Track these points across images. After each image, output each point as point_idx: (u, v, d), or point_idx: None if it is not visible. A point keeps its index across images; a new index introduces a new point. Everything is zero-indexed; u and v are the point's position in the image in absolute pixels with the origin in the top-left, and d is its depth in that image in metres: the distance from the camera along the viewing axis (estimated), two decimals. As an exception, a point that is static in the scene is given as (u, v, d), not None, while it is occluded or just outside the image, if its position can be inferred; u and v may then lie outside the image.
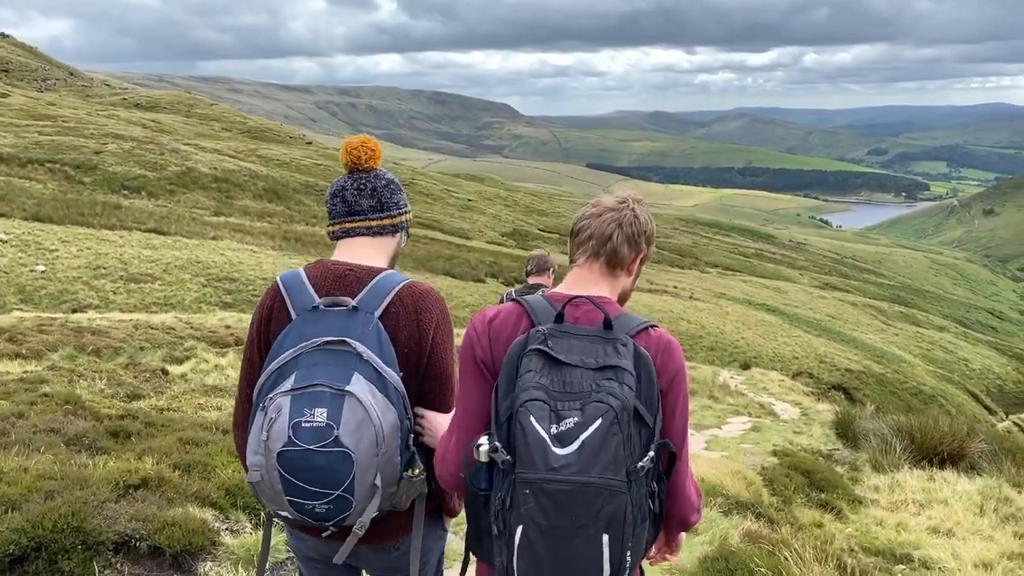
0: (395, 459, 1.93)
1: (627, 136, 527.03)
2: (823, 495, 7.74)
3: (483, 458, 1.71)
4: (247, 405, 2.11)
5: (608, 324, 1.77)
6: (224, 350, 16.68)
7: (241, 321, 23.65)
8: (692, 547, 4.45)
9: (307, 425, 1.85)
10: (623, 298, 2.03)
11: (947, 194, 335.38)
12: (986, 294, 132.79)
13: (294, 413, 1.87)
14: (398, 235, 2.30)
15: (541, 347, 1.70)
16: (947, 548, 6.09)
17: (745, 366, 27.56)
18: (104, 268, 34.40)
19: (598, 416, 1.60)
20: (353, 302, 2.04)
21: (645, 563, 1.97)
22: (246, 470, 1.98)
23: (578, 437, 1.59)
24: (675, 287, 56.86)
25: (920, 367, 51.41)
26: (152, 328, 18.00)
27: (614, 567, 1.60)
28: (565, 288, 1.98)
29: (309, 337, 1.97)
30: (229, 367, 14.31)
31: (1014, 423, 44.11)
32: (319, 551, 2.16)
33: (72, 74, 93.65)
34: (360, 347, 1.95)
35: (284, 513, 1.97)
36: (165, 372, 11.22)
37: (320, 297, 2.06)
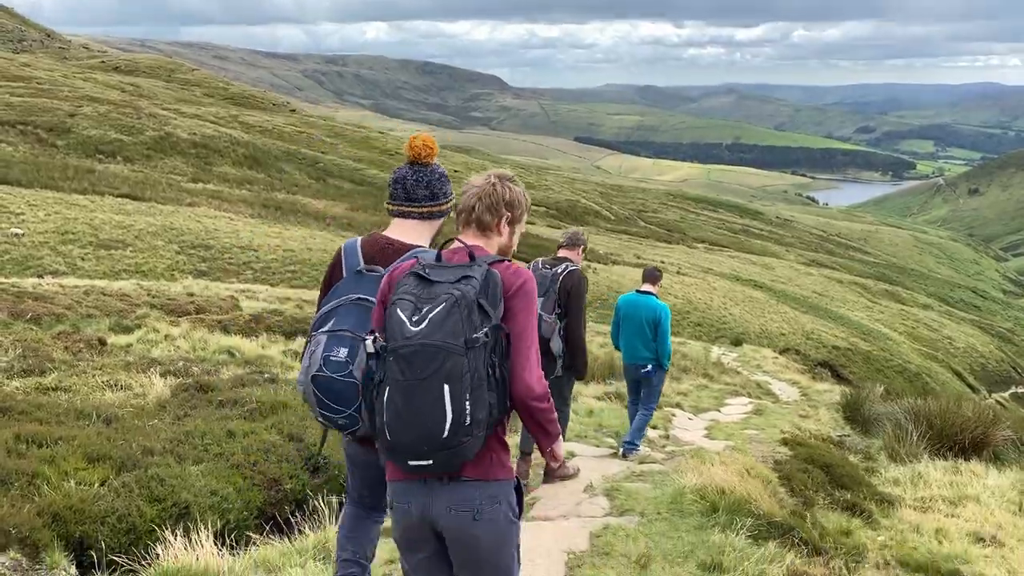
0: None
1: (616, 109, 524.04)
2: (847, 495, 6.81)
3: (370, 348, 2.20)
4: None
5: (471, 257, 2.30)
6: (180, 319, 15.59)
7: (208, 289, 22.53)
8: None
9: (333, 359, 2.49)
10: (504, 251, 2.51)
11: (933, 173, 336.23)
12: (969, 273, 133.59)
13: (327, 349, 2.51)
14: (442, 219, 2.86)
15: (417, 271, 2.25)
16: (999, 562, 5.21)
17: (736, 342, 26.79)
18: (73, 233, 33.20)
19: (443, 301, 2.13)
20: (384, 270, 2.53)
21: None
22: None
23: (427, 317, 2.12)
24: (662, 262, 56.08)
25: (905, 345, 51.36)
26: (105, 295, 16.88)
27: (456, 413, 2.07)
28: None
29: (348, 293, 2.60)
30: (181, 338, 13.26)
31: (997, 402, 44.14)
32: (359, 454, 2.79)
33: (50, 36, 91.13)
34: None
35: (320, 421, 2.62)
36: (102, 343, 10.19)
37: (364, 263, 2.68)
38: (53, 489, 3.24)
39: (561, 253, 5.70)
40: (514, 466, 2.50)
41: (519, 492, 2.32)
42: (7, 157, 42.09)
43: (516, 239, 2.56)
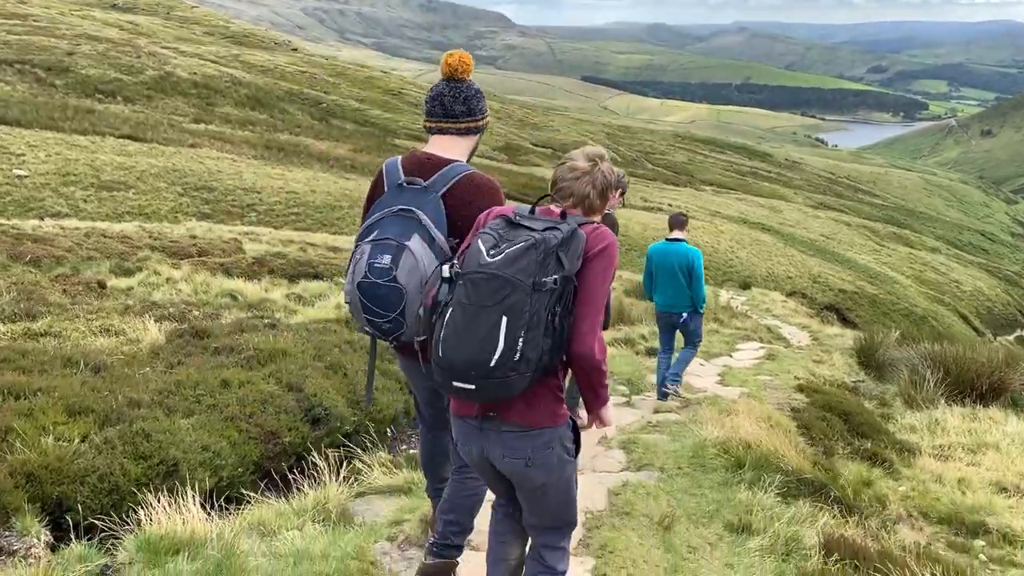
0: None
1: (623, 48, 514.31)
2: (867, 444, 6.57)
3: (445, 273, 2.32)
4: None
5: (563, 215, 2.41)
6: (182, 262, 15.30)
7: (211, 232, 22.22)
8: (749, 554, 3.24)
9: (377, 266, 2.62)
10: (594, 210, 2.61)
11: (946, 114, 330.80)
12: (979, 216, 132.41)
13: (370, 257, 2.65)
14: (479, 135, 3.00)
15: (509, 216, 2.36)
16: (1026, 513, 4.95)
17: (745, 286, 26.48)
18: (74, 175, 32.80)
19: (522, 240, 2.23)
20: (425, 182, 2.78)
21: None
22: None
23: (504, 252, 2.22)
24: (670, 205, 55.50)
25: (912, 288, 51.09)
26: (106, 237, 16.58)
27: (508, 346, 2.15)
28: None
29: (391, 205, 2.76)
30: (183, 281, 12.99)
31: (1002, 345, 44.00)
32: (408, 366, 2.96)
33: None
34: (422, 215, 2.69)
35: (366, 328, 2.75)
36: (102, 286, 9.92)
37: (404, 177, 2.83)
38: (28, 446, 2.97)
39: None
40: None
41: (576, 432, 2.43)
42: (5, 96, 41.44)
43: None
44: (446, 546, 2.82)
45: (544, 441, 2.30)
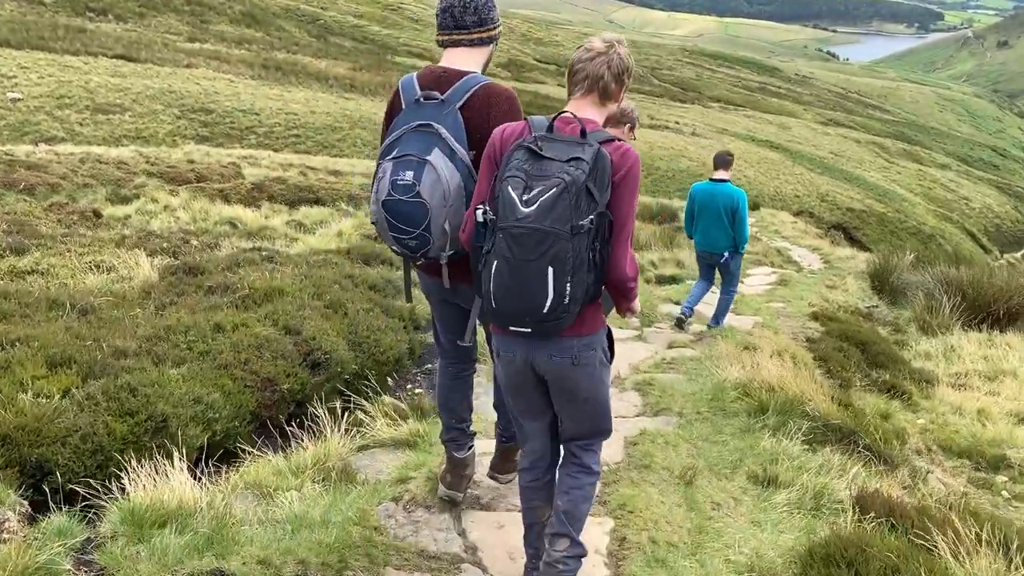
0: (460, 211, 2.63)
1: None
2: (885, 375, 6.37)
3: (479, 218, 2.37)
4: None
5: (583, 134, 2.37)
6: (179, 188, 14.93)
7: (209, 156, 21.74)
8: (776, 510, 3.04)
9: (400, 182, 2.62)
10: (611, 120, 2.70)
11: (962, 24, 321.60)
12: (991, 131, 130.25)
13: (393, 174, 2.65)
14: (492, 44, 2.92)
15: (529, 145, 2.33)
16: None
17: (753, 206, 26.01)
18: (69, 97, 32.11)
19: (553, 187, 2.23)
20: (441, 96, 2.73)
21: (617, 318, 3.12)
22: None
23: (538, 200, 2.23)
24: (677, 123, 54.45)
25: (921, 206, 50.53)
26: (102, 163, 16.17)
27: (557, 292, 2.24)
28: (566, 111, 2.51)
29: (410, 121, 2.71)
30: (181, 208, 12.66)
31: (1008, 262, 43.73)
32: (432, 287, 2.95)
33: None
34: (441, 129, 2.66)
35: (394, 247, 2.77)
36: (97, 215, 9.64)
37: (421, 92, 2.76)
38: (3, 405, 2.75)
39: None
40: None
41: (610, 338, 2.57)
42: (-7, 17, 40.31)
43: (620, 106, 2.71)
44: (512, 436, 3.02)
45: (587, 343, 2.44)
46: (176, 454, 2.71)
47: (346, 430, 3.34)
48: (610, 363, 2.56)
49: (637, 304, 2.61)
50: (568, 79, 2.58)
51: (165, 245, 7.19)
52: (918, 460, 5.25)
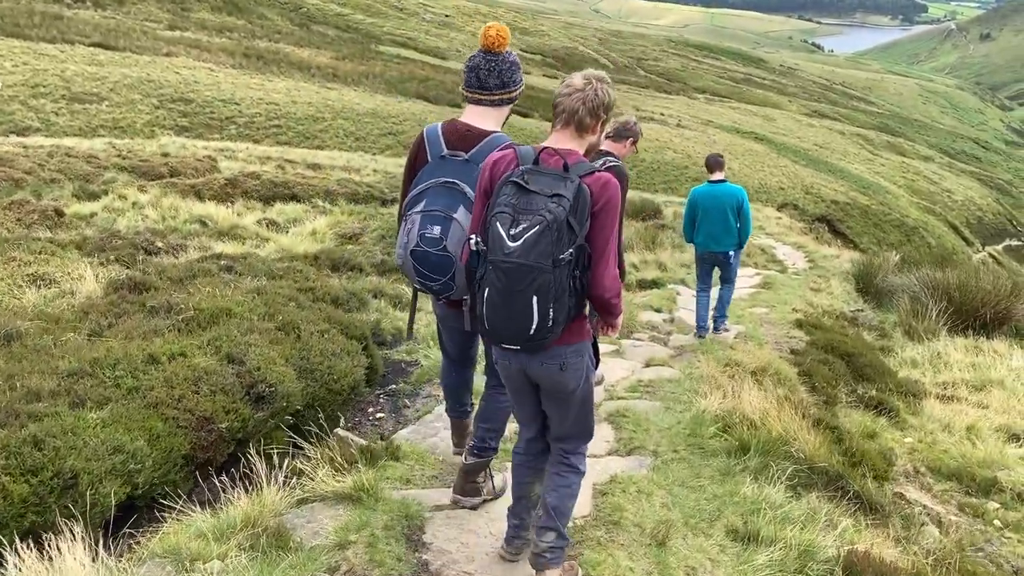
0: None
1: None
2: (871, 389, 6.11)
3: (473, 247, 2.61)
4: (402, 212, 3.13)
5: (566, 168, 2.58)
6: (151, 183, 14.48)
7: (184, 148, 21.26)
8: (757, 574, 2.75)
9: (428, 236, 2.89)
10: (591, 149, 2.86)
11: (945, 17, 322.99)
12: (973, 123, 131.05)
13: (421, 227, 2.91)
14: (511, 104, 3.17)
15: (516, 180, 2.56)
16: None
17: (739, 202, 25.72)
18: (44, 86, 31.46)
19: (536, 224, 2.45)
20: (466, 156, 2.99)
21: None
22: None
23: (523, 236, 2.46)
24: (662, 114, 54.19)
25: (904, 198, 50.66)
26: (71, 156, 15.69)
27: (541, 317, 2.50)
28: (548, 144, 2.73)
29: (435, 176, 2.97)
30: (150, 206, 12.20)
31: (990, 255, 43.83)
32: (446, 315, 3.30)
33: None
34: (466, 187, 2.92)
35: (418, 286, 3.06)
36: (60, 214, 9.25)
37: (447, 149, 3.03)
38: None
39: (605, 146, 5.18)
40: None
41: (595, 347, 2.82)
42: (-35, 3, 39.49)
43: (601, 136, 2.94)
44: (484, 448, 3.27)
45: (575, 350, 2.68)
46: (87, 522, 2.37)
47: (286, 479, 3.02)
48: (596, 368, 2.83)
49: (620, 322, 2.84)
50: (552, 112, 2.75)
51: (119, 254, 6.79)
52: (908, 487, 4.99)
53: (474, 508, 3.23)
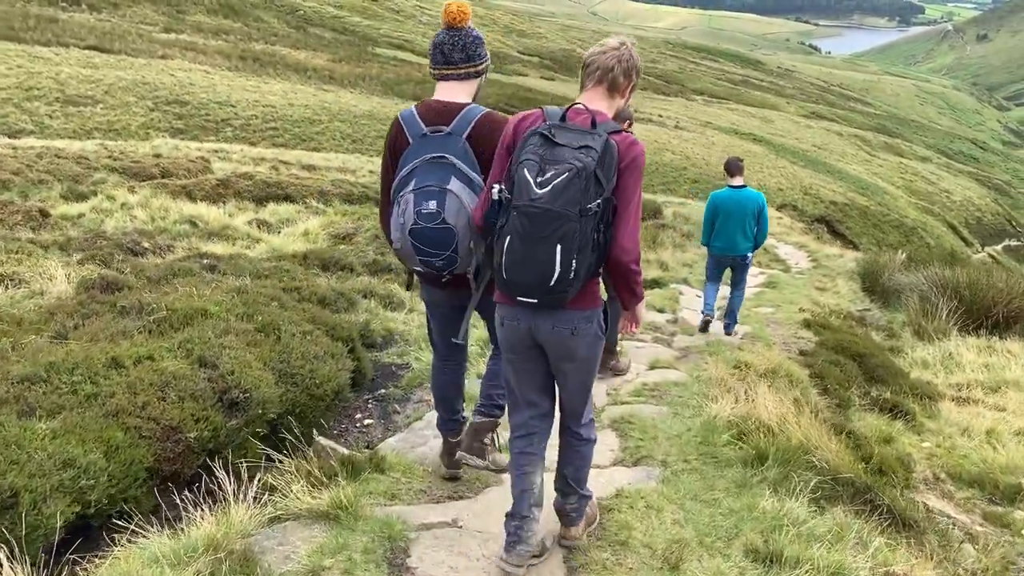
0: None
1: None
2: (885, 392, 5.82)
3: (495, 196, 2.60)
4: (387, 199, 3.12)
5: (593, 124, 2.57)
6: (142, 184, 14.17)
7: (177, 150, 20.96)
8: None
9: (425, 212, 2.85)
10: (617, 114, 2.83)
11: (942, 18, 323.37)
12: (971, 124, 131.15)
13: (416, 204, 2.87)
14: (480, 78, 3.17)
15: (544, 132, 2.53)
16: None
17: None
18: (38, 89, 31.22)
19: (565, 171, 2.43)
20: (448, 128, 2.97)
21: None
22: (390, 243, 3.03)
23: (551, 183, 2.43)
24: (660, 116, 53.95)
25: (903, 199, 50.52)
26: (60, 157, 15.38)
27: (563, 268, 2.45)
28: (578, 101, 2.72)
29: (421, 154, 2.95)
30: (139, 207, 11.90)
31: (989, 255, 43.62)
32: (440, 299, 3.22)
33: None
34: (454, 159, 2.92)
35: (418, 268, 2.99)
36: (44, 214, 8.97)
37: (426, 127, 3.01)
38: None
39: None
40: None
41: (606, 314, 2.74)
42: (-40, 5, 39.26)
43: (627, 103, 2.89)
44: (492, 406, 3.29)
45: (587, 316, 2.64)
46: (24, 547, 2.07)
47: (257, 496, 2.71)
48: (604, 334, 2.77)
49: (641, 311, 2.79)
50: (581, 72, 2.75)
51: (98, 253, 6.48)
52: (930, 495, 4.69)
53: (478, 469, 3.26)
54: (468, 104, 3.04)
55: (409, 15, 73.23)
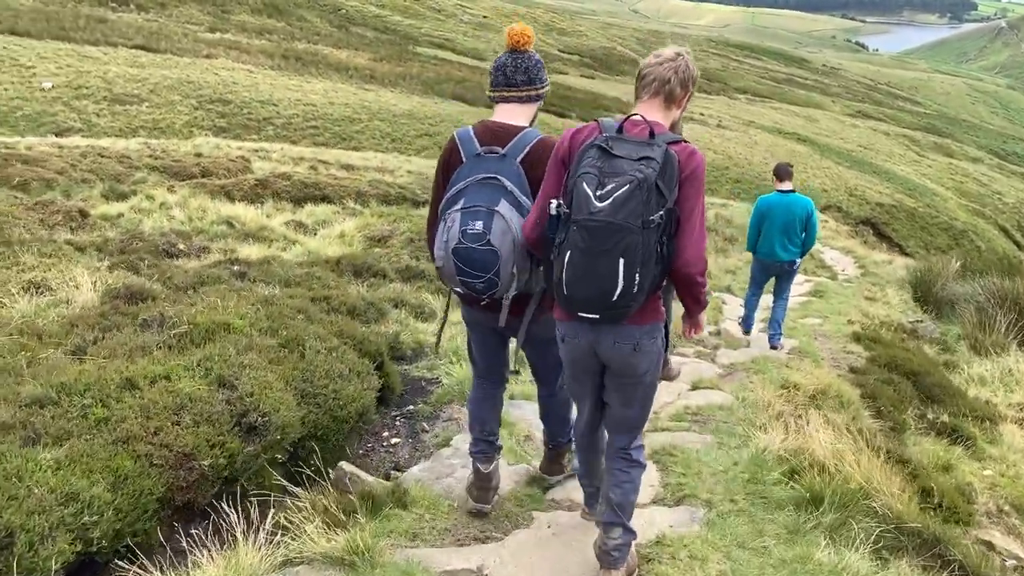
0: (526, 257, 2.85)
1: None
2: (942, 414, 5.49)
3: (553, 211, 2.55)
4: (435, 216, 3.08)
5: (651, 135, 2.52)
6: (181, 183, 14.18)
7: (218, 149, 21.08)
8: None
9: (470, 232, 2.83)
10: (673, 126, 2.78)
11: (996, 14, 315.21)
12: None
13: (462, 224, 2.85)
14: (539, 102, 3.16)
15: (601, 144, 2.50)
16: None
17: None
18: (87, 88, 31.78)
19: (626, 183, 2.39)
20: (503, 151, 2.98)
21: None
22: (433, 259, 3.00)
23: (612, 196, 2.39)
24: (702, 115, 53.23)
25: (952, 201, 49.14)
26: (103, 157, 15.50)
27: (627, 282, 2.41)
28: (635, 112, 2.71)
29: (473, 174, 2.95)
30: (177, 207, 11.88)
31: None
32: (480, 319, 3.18)
33: None
34: (506, 181, 2.91)
35: (458, 288, 2.99)
36: (84, 215, 8.94)
37: (481, 147, 3.01)
38: None
39: None
40: None
41: (666, 328, 2.73)
42: (15, 6, 40.24)
43: (682, 115, 2.83)
44: (557, 443, 3.48)
45: (648, 331, 2.61)
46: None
47: (269, 536, 2.54)
48: (666, 351, 2.76)
49: (704, 318, 2.79)
50: (636, 83, 2.72)
51: (127, 258, 6.40)
52: (994, 532, 4.37)
53: (561, 482, 3.49)
54: (525, 128, 3.05)
55: (450, 14, 73.32)
